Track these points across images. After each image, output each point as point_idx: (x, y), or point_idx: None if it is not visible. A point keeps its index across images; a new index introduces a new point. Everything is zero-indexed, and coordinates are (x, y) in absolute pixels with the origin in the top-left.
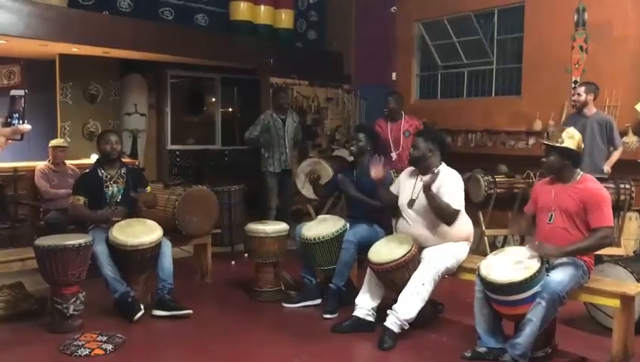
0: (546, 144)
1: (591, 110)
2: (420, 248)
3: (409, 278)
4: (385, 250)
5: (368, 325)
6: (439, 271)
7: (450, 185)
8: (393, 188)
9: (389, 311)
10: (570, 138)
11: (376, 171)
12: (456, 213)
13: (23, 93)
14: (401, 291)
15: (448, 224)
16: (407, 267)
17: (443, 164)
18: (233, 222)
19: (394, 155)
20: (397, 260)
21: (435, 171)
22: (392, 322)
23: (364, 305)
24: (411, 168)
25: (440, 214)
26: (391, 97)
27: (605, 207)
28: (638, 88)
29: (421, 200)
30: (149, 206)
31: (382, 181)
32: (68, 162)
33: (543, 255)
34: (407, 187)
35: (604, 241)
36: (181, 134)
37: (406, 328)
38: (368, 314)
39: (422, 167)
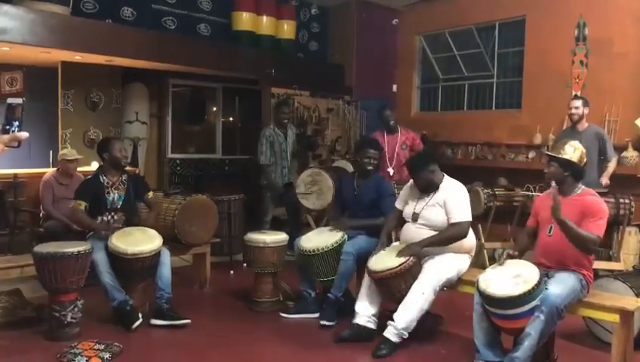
0: (547, 154)
1: (583, 125)
2: (422, 258)
3: (406, 288)
4: (384, 259)
5: (370, 332)
6: (440, 282)
7: (454, 197)
8: (399, 202)
9: (388, 322)
10: (573, 150)
11: None
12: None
13: (21, 101)
14: (399, 300)
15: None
16: (403, 276)
17: (445, 176)
18: (232, 231)
19: (391, 170)
20: (393, 268)
21: (440, 185)
22: (391, 332)
23: (365, 312)
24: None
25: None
26: (389, 111)
27: (601, 218)
28: (638, 103)
29: (424, 214)
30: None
31: None
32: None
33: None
34: (410, 200)
35: (590, 246)
36: (182, 143)
37: (405, 337)
38: (369, 321)
39: (431, 188)
